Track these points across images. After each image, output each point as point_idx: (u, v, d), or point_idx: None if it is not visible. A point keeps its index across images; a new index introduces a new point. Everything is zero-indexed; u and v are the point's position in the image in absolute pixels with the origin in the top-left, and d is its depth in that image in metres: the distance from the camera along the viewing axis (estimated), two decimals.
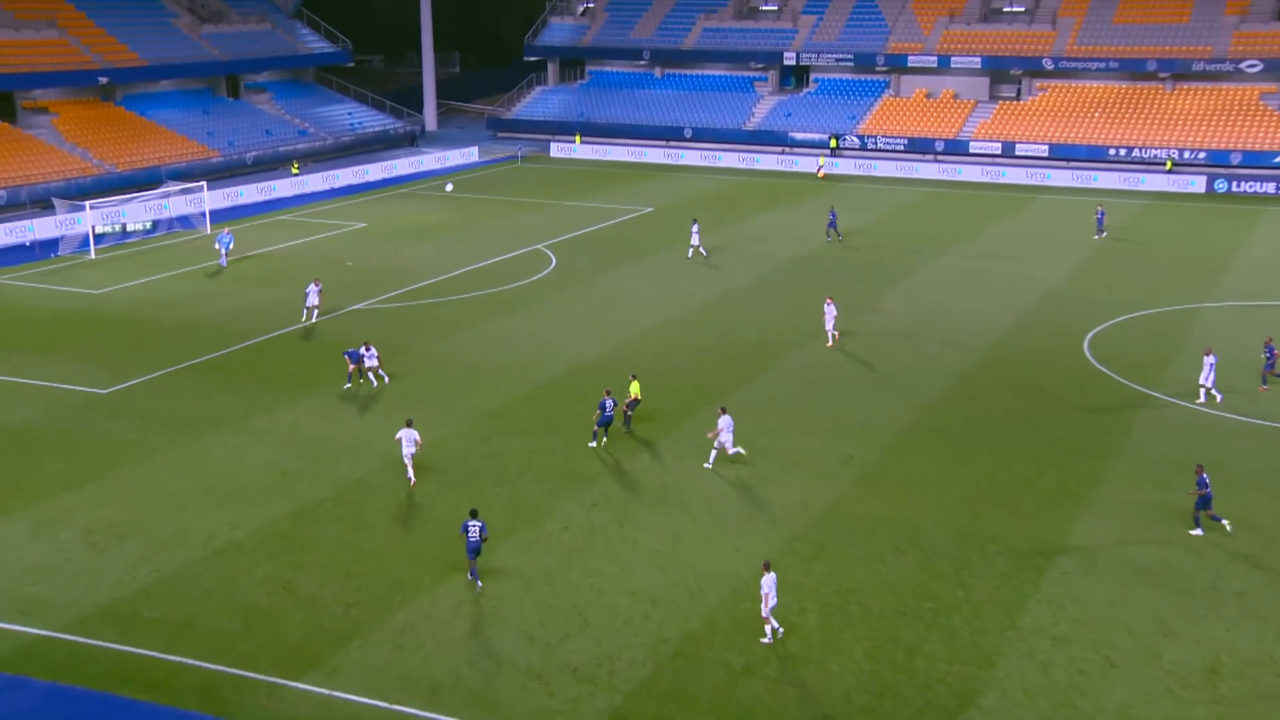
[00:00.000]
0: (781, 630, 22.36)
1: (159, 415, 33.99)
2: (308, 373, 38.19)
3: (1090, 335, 41.80)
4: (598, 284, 50.27)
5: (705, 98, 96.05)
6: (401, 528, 26.91)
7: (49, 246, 57.16)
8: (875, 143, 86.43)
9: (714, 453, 30.03)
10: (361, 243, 59.38)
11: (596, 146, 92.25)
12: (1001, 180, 78.21)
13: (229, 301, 47.34)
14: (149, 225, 59.76)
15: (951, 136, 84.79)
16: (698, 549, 25.79)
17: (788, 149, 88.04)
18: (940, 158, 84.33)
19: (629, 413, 32.55)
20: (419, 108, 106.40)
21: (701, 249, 55.42)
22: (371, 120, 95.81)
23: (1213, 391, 34.03)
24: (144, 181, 71.06)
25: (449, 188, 51.98)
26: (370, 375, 36.47)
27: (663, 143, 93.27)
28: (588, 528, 26.87)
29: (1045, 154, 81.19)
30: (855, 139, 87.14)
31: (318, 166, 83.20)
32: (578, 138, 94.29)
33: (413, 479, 28.77)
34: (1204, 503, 26.17)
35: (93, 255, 55.85)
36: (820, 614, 23.16)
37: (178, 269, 53.17)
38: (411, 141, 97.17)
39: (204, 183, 65.39)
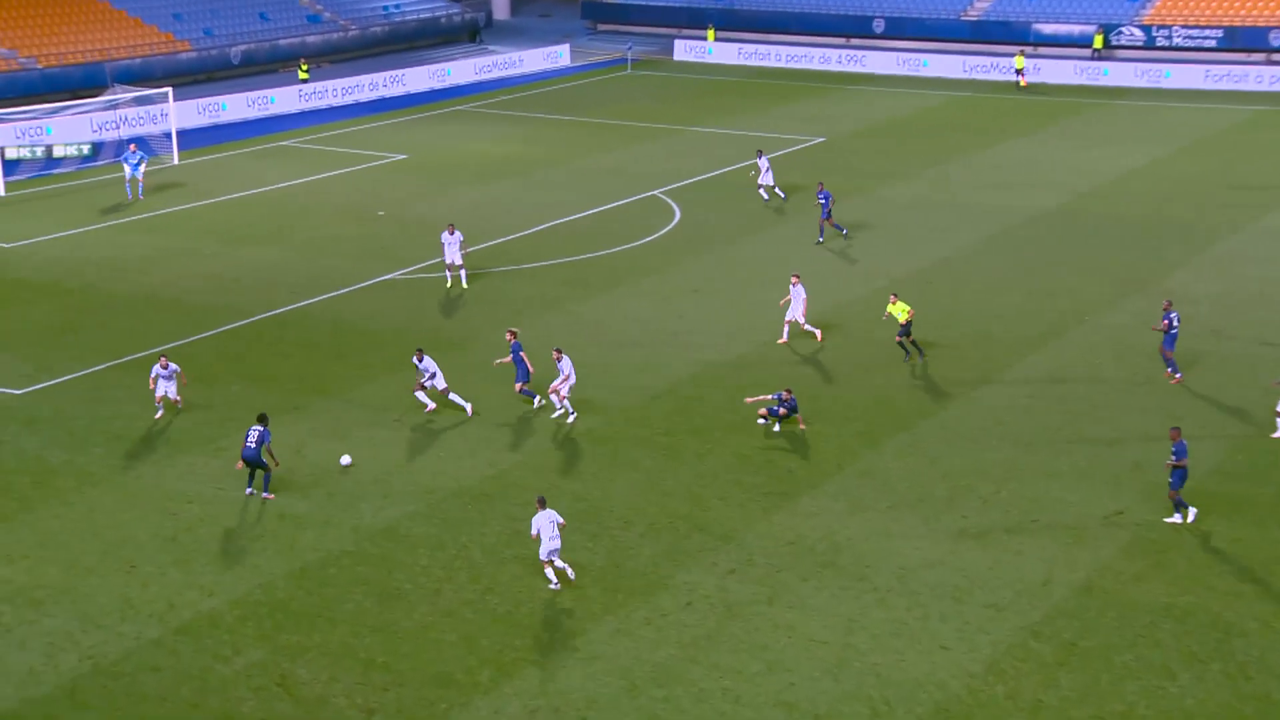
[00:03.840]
0: (571, 573, 27.22)
1: (98, 429, 35.04)
2: (319, 370, 39.08)
3: None
4: (741, 249, 50.29)
5: None
6: (451, 598, 27.35)
7: None
8: (1169, 37, 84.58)
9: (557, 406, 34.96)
10: (400, 183, 60.50)
11: (741, 45, 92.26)
12: None
13: (205, 264, 48.72)
14: (86, 150, 61.60)
15: None
16: (883, 642, 25.61)
17: (1029, 48, 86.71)
18: (1276, 57, 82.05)
19: (904, 341, 38.22)
20: None
21: (777, 189, 55.56)
22: (415, 4, 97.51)
23: None
24: (79, 85, 73.63)
25: (380, 213, 53.27)
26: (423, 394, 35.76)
27: (840, 41, 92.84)
28: (721, 605, 26.91)
29: None
30: (1136, 32, 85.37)
31: (336, 70, 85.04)
32: (711, 32, 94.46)
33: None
34: (1180, 479, 29.47)
35: (1, 191, 58.08)
36: None
37: (129, 215, 54.97)
38: (472, 36, 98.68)
39: (169, 88, 67.38)
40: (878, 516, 30.37)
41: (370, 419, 35.66)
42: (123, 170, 56.58)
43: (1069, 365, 38.69)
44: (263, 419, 31.21)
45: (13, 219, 54.22)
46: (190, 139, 66.91)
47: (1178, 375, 37.39)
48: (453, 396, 35.59)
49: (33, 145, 61.25)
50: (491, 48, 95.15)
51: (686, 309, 43.62)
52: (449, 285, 45.58)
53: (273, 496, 31.18)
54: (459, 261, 45.39)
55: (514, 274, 47.47)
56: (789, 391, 34.46)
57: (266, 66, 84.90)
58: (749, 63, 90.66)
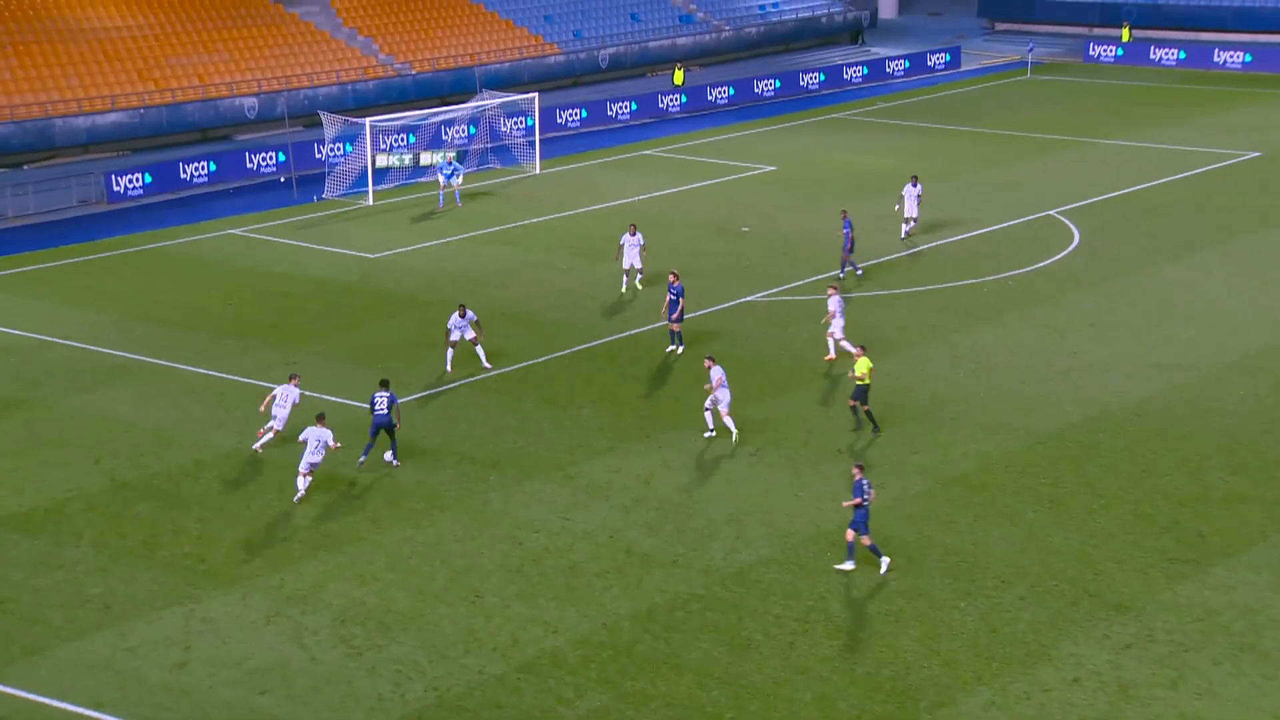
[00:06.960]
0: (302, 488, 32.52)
1: (449, 449, 36.64)
2: (672, 395, 39.87)
3: None
4: (1150, 277, 49.01)
5: None
6: (805, 653, 27.44)
7: (311, 184, 63.32)
8: None
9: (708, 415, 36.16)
10: (767, 196, 61.20)
11: (1163, 47, 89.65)
12: None
13: (560, 279, 50.42)
14: (453, 157, 64.54)
15: None
16: None
17: None
18: None
19: (857, 407, 36.43)
20: None
21: (913, 220, 53.47)
22: (793, 3, 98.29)
23: None
24: (449, 90, 77.12)
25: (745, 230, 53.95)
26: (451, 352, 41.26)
27: None
28: (1115, 685, 26.19)
29: None
30: None
31: (706, 74, 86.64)
32: (1126, 31, 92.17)
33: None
34: (861, 519, 29.93)
35: (370, 200, 61.33)
36: None
37: (489, 226, 57.27)
38: (855, 38, 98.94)
39: (534, 94, 69.93)
40: None
41: (724, 451, 36.21)
42: (439, 177, 59.63)
43: None
44: (386, 384, 35.17)
45: (379, 229, 57.19)
46: (552, 146, 69.27)
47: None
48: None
49: (400, 153, 65.03)
50: (875, 49, 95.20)
51: (1081, 344, 42.69)
52: (624, 290, 47.66)
53: (399, 464, 34.55)
54: (638, 264, 47.48)
55: (887, 298, 47.36)
56: (859, 469, 30.45)
57: (634, 70, 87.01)
58: (1174, 65, 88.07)
